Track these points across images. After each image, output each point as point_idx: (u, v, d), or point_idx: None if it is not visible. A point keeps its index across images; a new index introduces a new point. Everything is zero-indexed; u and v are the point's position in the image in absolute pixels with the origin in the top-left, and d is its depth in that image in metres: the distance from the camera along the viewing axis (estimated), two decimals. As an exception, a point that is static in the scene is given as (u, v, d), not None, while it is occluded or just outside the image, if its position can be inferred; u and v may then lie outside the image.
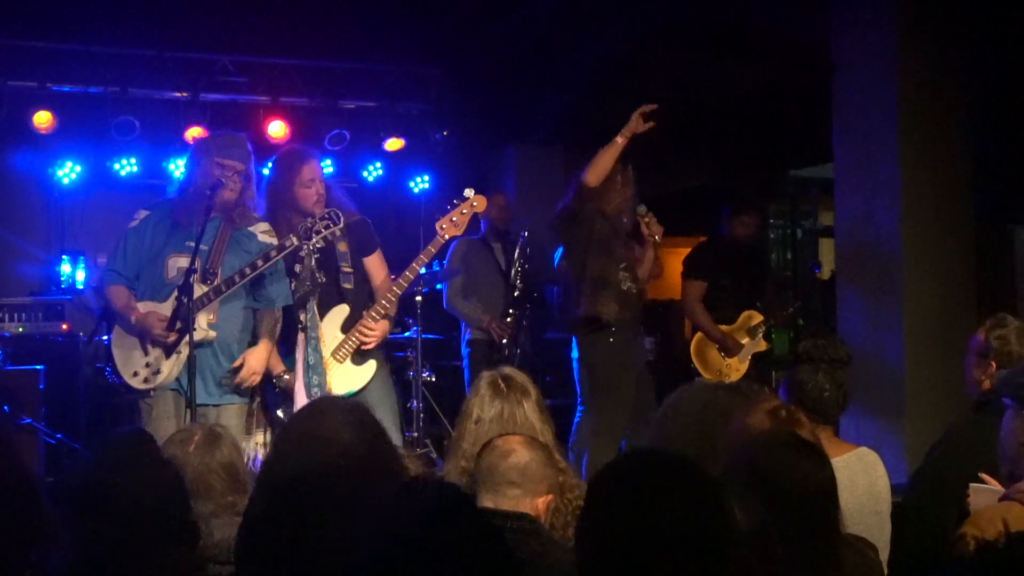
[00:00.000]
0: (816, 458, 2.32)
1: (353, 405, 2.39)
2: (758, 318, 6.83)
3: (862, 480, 3.28)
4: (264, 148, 8.31)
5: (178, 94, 8.03)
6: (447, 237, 5.00)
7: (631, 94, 8.32)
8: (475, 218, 7.16)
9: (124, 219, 4.95)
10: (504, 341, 6.83)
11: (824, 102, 6.67)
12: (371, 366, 4.93)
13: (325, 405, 2.39)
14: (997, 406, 3.27)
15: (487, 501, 2.74)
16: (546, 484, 2.79)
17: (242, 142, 4.86)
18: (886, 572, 3.09)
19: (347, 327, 4.89)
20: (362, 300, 5.01)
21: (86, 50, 7.73)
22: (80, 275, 8.18)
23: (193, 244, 4.56)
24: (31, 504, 1.90)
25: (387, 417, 4.97)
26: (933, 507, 3.49)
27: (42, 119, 7.65)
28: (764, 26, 7.18)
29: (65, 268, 8.21)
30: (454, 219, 4.98)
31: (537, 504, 2.76)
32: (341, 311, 4.90)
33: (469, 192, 5.09)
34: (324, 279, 4.84)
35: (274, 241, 4.80)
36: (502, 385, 3.29)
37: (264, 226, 4.85)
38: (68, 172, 8.25)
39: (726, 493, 1.79)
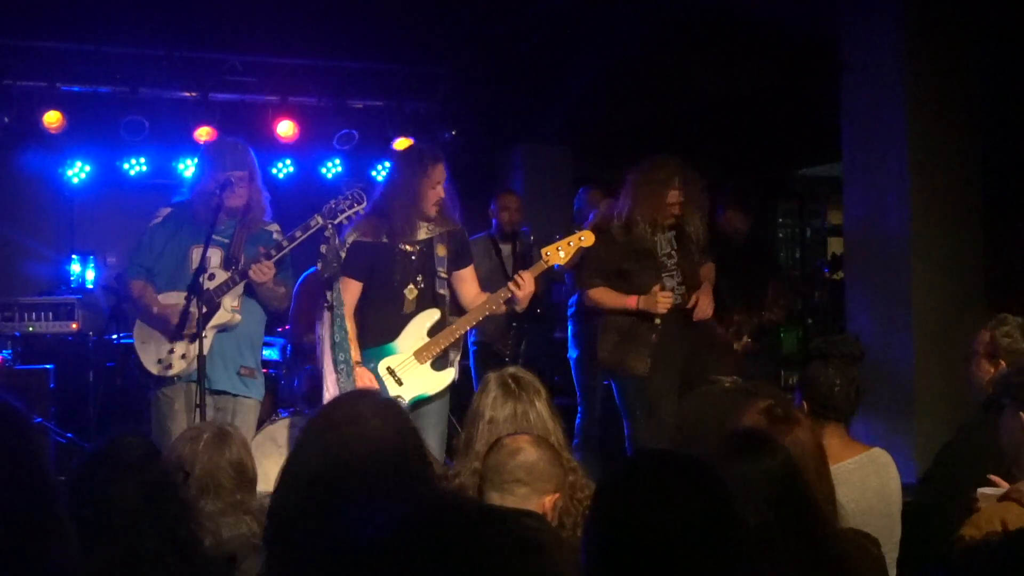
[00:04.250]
0: (763, 449, 2.27)
1: (387, 400, 2.39)
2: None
3: (873, 482, 3.25)
4: (273, 147, 8.37)
5: (187, 94, 8.04)
6: (550, 263, 5.03)
7: (639, 93, 8.36)
8: (485, 215, 7.21)
9: (134, 219, 5.04)
10: (506, 358, 6.81)
11: (833, 101, 6.66)
12: (449, 374, 4.95)
13: (358, 397, 2.37)
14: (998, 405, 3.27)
15: (494, 499, 2.75)
16: (553, 483, 2.80)
17: (242, 149, 4.96)
18: (895, 572, 3.09)
19: (434, 331, 4.91)
20: (449, 309, 5.01)
21: (95, 50, 7.75)
22: (90, 274, 8.21)
23: (218, 238, 4.73)
24: (48, 509, 1.89)
25: (435, 427, 4.95)
26: (944, 507, 3.48)
27: (52, 119, 7.67)
28: (773, 25, 7.17)
29: (75, 268, 8.24)
30: (559, 248, 5.01)
31: (544, 503, 2.77)
32: (432, 315, 4.92)
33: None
34: (423, 282, 4.88)
35: (284, 241, 4.90)
36: (512, 385, 3.30)
37: (275, 226, 5.00)
38: (78, 172, 8.28)
39: (734, 493, 1.78)
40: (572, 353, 6.63)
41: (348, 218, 4.70)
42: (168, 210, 4.96)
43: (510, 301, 4.93)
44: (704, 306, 5.53)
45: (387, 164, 8.89)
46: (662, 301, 5.31)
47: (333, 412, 2.28)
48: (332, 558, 1.96)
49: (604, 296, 5.50)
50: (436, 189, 4.85)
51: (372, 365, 4.86)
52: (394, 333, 4.89)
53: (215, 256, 4.78)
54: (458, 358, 5.09)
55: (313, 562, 2.01)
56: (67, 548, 1.87)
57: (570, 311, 6.69)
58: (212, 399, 4.72)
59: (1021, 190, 6.55)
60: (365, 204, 4.69)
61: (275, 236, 4.94)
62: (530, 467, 2.77)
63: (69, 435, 6.76)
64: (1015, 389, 2.83)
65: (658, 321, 5.36)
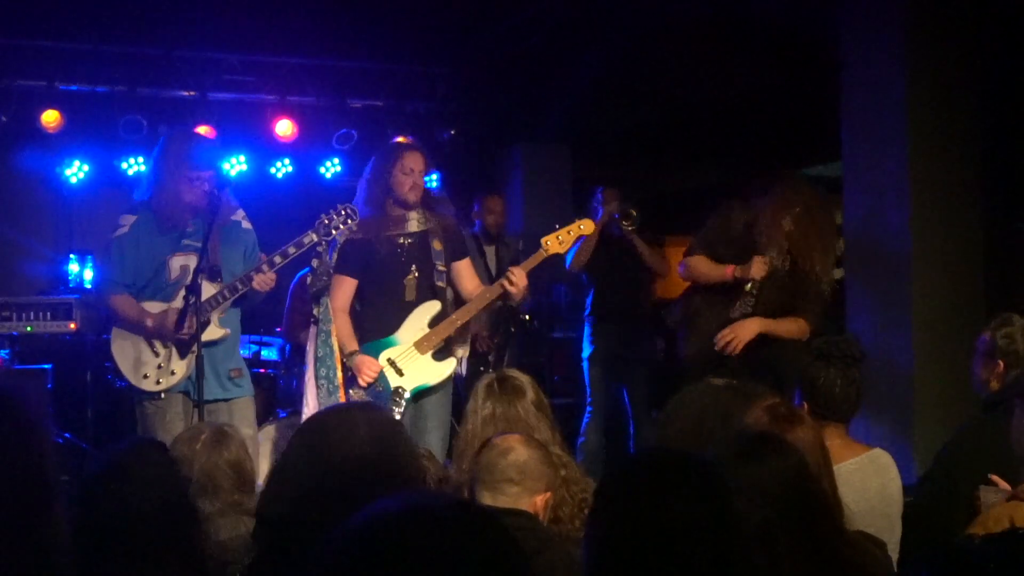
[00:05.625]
0: (774, 450, 2.26)
1: (372, 409, 2.41)
2: None
3: (874, 483, 3.25)
4: (271, 147, 8.36)
5: (186, 93, 8.03)
6: (549, 253, 5.03)
7: (638, 93, 8.34)
8: (468, 216, 7.20)
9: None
10: (489, 357, 6.81)
11: (832, 100, 6.65)
12: (450, 363, 4.98)
13: (344, 408, 2.40)
14: (1006, 406, 3.26)
15: (486, 499, 2.76)
16: (545, 482, 2.82)
17: (208, 145, 4.94)
18: (895, 572, 3.09)
19: (435, 322, 4.93)
20: (449, 301, 5.05)
21: (94, 49, 7.74)
22: (88, 274, 8.18)
23: (191, 243, 4.66)
24: (42, 510, 1.86)
25: (438, 427, 4.98)
26: (943, 508, 3.48)
27: (50, 118, 7.65)
28: (772, 24, 7.16)
29: (73, 267, 8.23)
30: (559, 237, 5.03)
31: (536, 502, 2.78)
32: (432, 306, 4.95)
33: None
34: (419, 273, 4.91)
35: (251, 227, 4.91)
36: (496, 387, 3.36)
37: (241, 213, 4.95)
38: (76, 171, 8.27)
39: (734, 491, 1.78)
40: (585, 351, 6.64)
41: (342, 234, 4.73)
42: (133, 218, 4.76)
43: (504, 296, 4.95)
44: (729, 340, 4.97)
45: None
46: (758, 266, 4.97)
47: (325, 420, 2.30)
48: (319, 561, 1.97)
49: (699, 263, 5.18)
50: (410, 175, 4.90)
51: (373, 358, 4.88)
52: (395, 326, 4.92)
53: (193, 264, 4.64)
54: (465, 353, 5.10)
55: (300, 564, 2.01)
56: (56, 556, 1.83)
57: (586, 312, 6.71)
58: (205, 408, 4.69)
59: (1021, 190, 6.53)
60: (358, 219, 4.70)
61: (244, 225, 4.88)
62: (521, 466, 2.78)
63: (67, 435, 6.75)
64: (1024, 389, 2.83)
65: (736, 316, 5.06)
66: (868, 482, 3.22)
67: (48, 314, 7.23)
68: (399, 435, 2.35)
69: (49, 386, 6.91)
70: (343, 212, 4.67)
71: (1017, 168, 6.46)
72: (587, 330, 6.65)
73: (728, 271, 5.06)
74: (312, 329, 4.73)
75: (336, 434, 2.20)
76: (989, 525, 2.57)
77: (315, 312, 4.71)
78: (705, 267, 5.16)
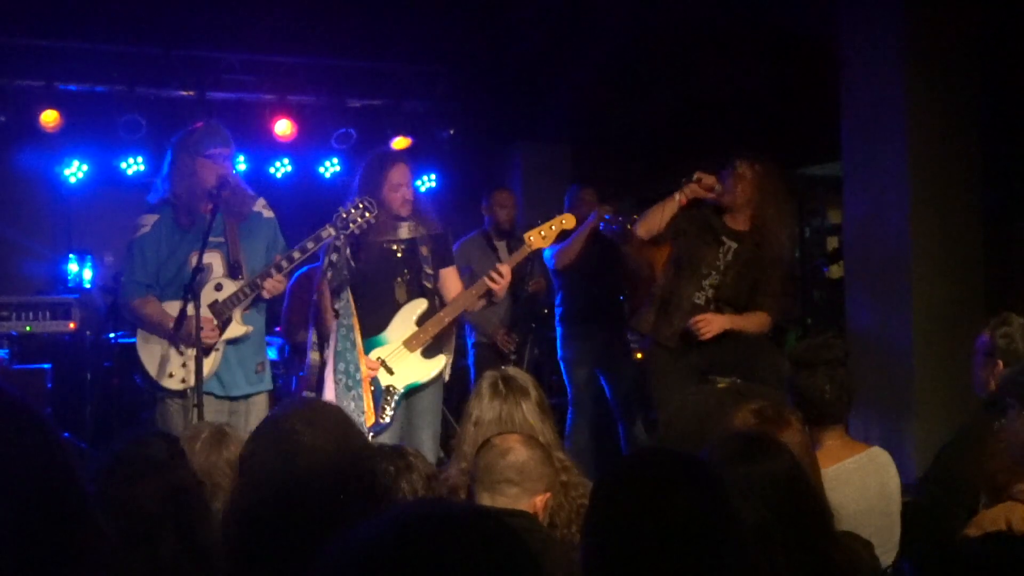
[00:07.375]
0: (767, 451, 2.26)
1: (333, 411, 2.39)
2: None
3: (873, 481, 3.25)
4: (270, 147, 8.36)
5: (184, 92, 8.03)
6: (533, 247, 5.09)
7: (638, 92, 8.34)
8: (479, 213, 7.20)
9: (131, 218, 4.90)
10: (511, 356, 6.79)
11: (832, 99, 6.64)
12: (439, 360, 4.98)
13: (305, 407, 2.38)
14: (1006, 406, 3.25)
15: (485, 500, 2.74)
16: (544, 482, 2.80)
17: (220, 129, 4.92)
18: (891, 572, 3.08)
19: (422, 320, 4.95)
20: (437, 302, 5.08)
21: (93, 49, 7.73)
22: (87, 274, 8.19)
23: (215, 239, 4.64)
24: (80, 519, 1.82)
25: (430, 425, 4.98)
26: (943, 508, 3.47)
27: (49, 118, 7.65)
28: (772, 23, 7.16)
29: (72, 267, 8.23)
30: (542, 232, 5.09)
31: (535, 502, 2.76)
32: (419, 304, 4.97)
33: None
34: (410, 276, 4.95)
35: (272, 215, 4.89)
36: (501, 386, 3.33)
37: (262, 201, 4.93)
38: (75, 171, 8.27)
39: (733, 492, 1.78)
40: (562, 354, 6.61)
41: (360, 227, 4.67)
42: (154, 217, 4.76)
43: (488, 294, 4.94)
44: (701, 324, 5.07)
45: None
46: (704, 178, 5.19)
47: (280, 419, 2.29)
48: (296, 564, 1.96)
49: (649, 212, 5.31)
50: (399, 191, 4.91)
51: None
52: (383, 325, 4.92)
53: (215, 261, 4.68)
54: (451, 355, 5.09)
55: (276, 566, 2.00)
56: (105, 556, 1.81)
57: (558, 311, 6.67)
58: (228, 405, 4.69)
59: (1021, 190, 6.52)
60: (376, 212, 4.67)
61: (265, 215, 4.87)
62: (520, 467, 2.77)
63: (66, 435, 6.73)
64: (1020, 389, 2.82)
65: (699, 300, 5.18)
66: (868, 480, 3.22)
67: (47, 314, 7.23)
68: (355, 430, 2.34)
69: (48, 386, 6.90)
70: (361, 205, 4.64)
71: (1017, 168, 6.46)
72: (561, 331, 6.61)
73: (676, 196, 5.23)
74: (333, 323, 4.71)
75: (291, 446, 2.19)
76: (985, 526, 2.57)
77: (336, 306, 4.68)
78: (655, 209, 5.28)
